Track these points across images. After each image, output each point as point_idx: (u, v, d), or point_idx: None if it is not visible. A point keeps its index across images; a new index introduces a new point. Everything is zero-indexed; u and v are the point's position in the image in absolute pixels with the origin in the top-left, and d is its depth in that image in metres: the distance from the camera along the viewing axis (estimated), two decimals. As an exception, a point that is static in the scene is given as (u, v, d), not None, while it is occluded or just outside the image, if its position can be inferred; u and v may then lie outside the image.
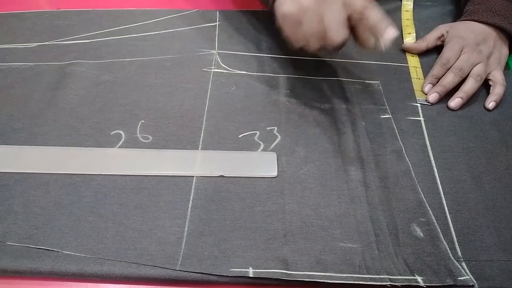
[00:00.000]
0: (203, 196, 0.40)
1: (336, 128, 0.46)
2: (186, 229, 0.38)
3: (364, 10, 0.41)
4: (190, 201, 0.40)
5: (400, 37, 0.58)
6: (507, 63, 0.54)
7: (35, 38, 0.55)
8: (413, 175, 0.43)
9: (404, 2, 0.63)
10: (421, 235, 0.38)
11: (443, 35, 0.55)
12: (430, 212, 0.40)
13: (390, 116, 0.48)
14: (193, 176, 0.42)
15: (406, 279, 0.35)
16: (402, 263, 0.36)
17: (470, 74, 0.50)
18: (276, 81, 0.51)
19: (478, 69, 0.50)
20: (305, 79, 0.52)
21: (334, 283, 0.35)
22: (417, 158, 0.44)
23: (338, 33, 0.41)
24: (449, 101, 0.49)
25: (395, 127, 0.47)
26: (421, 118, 0.48)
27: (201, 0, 0.62)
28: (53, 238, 0.37)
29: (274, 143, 0.45)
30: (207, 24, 0.58)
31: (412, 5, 0.63)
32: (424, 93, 0.51)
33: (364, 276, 0.35)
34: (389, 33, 0.42)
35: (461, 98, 0.49)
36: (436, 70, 0.51)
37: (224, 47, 0.55)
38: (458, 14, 0.59)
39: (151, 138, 0.44)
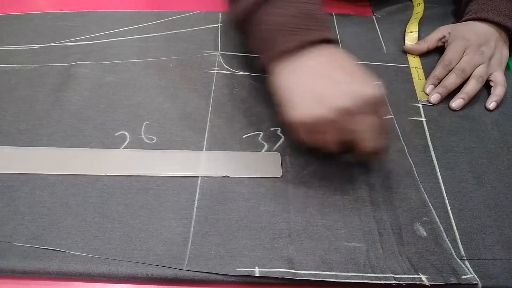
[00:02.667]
0: (208, 197, 0.40)
1: (339, 128, 0.47)
2: (192, 229, 0.38)
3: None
4: (196, 202, 0.40)
5: (402, 38, 0.59)
6: (507, 64, 0.54)
7: (39, 40, 0.55)
8: (416, 175, 0.43)
9: (416, 7, 0.63)
10: (425, 234, 0.39)
11: (444, 36, 0.55)
12: (433, 211, 0.40)
13: (392, 116, 0.48)
14: (198, 177, 0.42)
15: (410, 277, 0.36)
16: (406, 262, 0.37)
17: (472, 75, 0.51)
18: (279, 82, 0.52)
19: (480, 71, 0.51)
20: (307, 80, 0.52)
21: (340, 282, 0.35)
22: (419, 158, 0.45)
23: (371, 142, 0.38)
24: (451, 101, 0.50)
25: (397, 128, 0.47)
26: (423, 119, 0.49)
27: (204, 1, 0.62)
28: (60, 239, 0.37)
29: (278, 144, 0.45)
30: (209, 26, 0.58)
31: (422, 9, 0.63)
32: (426, 94, 0.51)
33: (369, 275, 0.36)
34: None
35: (462, 98, 0.50)
36: (438, 71, 0.52)
37: (227, 48, 0.55)
38: (459, 16, 0.59)
39: (155, 139, 0.45)
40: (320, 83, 0.36)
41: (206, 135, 0.45)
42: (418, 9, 0.62)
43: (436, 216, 0.40)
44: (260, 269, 0.36)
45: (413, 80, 0.53)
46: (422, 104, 0.50)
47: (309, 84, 0.36)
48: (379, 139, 0.38)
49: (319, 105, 0.35)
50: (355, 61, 0.38)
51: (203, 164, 0.43)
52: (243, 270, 0.35)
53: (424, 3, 0.63)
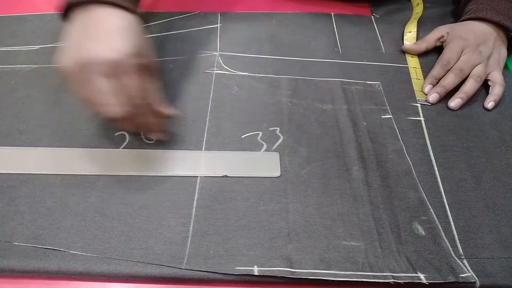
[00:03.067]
0: (208, 196, 0.41)
1: (338, 128, 0.47)
2: (191, 228, 0.38)
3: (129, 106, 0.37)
4: (195, 201, 0.40)
5: (400, 38, 0.59)
6: (505, 64, 0.54)
7: (38, 41, 0.56)
8: (414, 174, 0.43)
9: (415, 8, 0.64)
10: (423, 233, 0.39)
11: (442, 36, 0.55)
12: (432, 210, 0.40)
13: (391, 116, 0.49)
14: (197, 176, 0.42)
15: (408, 276, 0.36)
16: (405, 261, 0.37)
17: (470, 74, 0.51)
18: (278, 82, 0.52)
19: (478, 70, 0.51)
20: (306, 80, 0.52)
21: (338, 281, 0.35)
22: (418, 158, 0.45)
23: (102, 107, 0.36)
24: (449, 101, 0.50)
25: (396, 127, 0.47)
26: (422, 118, 0.49)
27: (203, 2, 0.63)
28: (60, 238, 0.37)
29: (277, 143, 0.45)
30: (209, 26, 0.58)
31: (421, 9, 0.63)
32: (424, 94, 0.51)
33: (367, 273, 0.36)
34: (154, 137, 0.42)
35: (461, 98, 0.50)
36: (437, 70, 0.52)
37: (226, 48, 0.55)
38: (457, 16, 0.60)
39: (155, 139, 0.45)
40: (78, 37, 0.37)
41: (205, 135, 0.46)
42: (417, 9, 0.62)
43: (434, 215, 0.40)
44: (259, 268, 0.36)
45: (412, 80, 0.53)
46: (420, 103, 0.50)
47: (73, 37, 0.37)
48: (113, 105, 0.36)
49: (67, 55, 0.36)
50: (129, 28, 0.38)
51: (202, 163, 0.43)
52: (242, 269, 0.36)
53: (423, 3, 0.63)
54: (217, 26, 0.59)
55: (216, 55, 0.55)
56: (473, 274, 0.36)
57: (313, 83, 0.52)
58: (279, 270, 0.36)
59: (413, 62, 0.56)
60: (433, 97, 0.50)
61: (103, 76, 0.36)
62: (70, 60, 0.36)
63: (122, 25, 0.37)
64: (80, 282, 0.36)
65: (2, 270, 0.35)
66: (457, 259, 0.37)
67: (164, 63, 0.53)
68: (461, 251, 0.38)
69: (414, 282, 0.35)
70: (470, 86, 0.50)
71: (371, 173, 0.43)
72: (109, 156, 0.43)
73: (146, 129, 0.43)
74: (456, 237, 0.39)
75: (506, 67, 0.55)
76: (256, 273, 0.35)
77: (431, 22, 0.60)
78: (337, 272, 0.36)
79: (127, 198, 0.40)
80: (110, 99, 0.36)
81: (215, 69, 0.53)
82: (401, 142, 0.46)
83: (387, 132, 0.47)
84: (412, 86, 0.52)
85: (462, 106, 0.50)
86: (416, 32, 0.59)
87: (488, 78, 0.52)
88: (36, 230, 0.37)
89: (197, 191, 0.41)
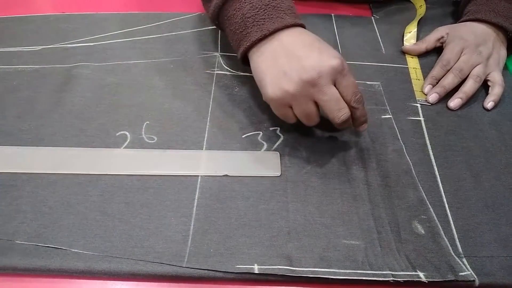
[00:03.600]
0: (208, 195, 0.41)
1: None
2: (192, 227, 0.38)
3: (354, 103, 0.40)
4: (195, 200, 0.40)
5: (400, 39, 0.59)
6: (505, 64, 0.55)
7: (41, 41, 0.56)
8: (414, 173, 0.43)
9: (418, 9, 0.64)
10: (422, 232, 0.39)
11: (442, 37, 0.56)
12: (431, 209, 0.41)
13: (391, 116, 0.49)
14: (198, 176, 0.42)
15: (408, 274, 0.36)
16: (404, 259, 0.37)
17: (469, 75, 0.51)
18: (279, 83, 0.52)
19: (477, 70, 0.51)
20: (306, 81, 0.52)
21: (338, 279, 0.36)
22: (417, 157, 0.45)
23: (339, 112, 0.39)
24: (449, 101, 0.50)
25: (396, 127, 0.48)
26: (421, 118, 0.49)
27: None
28: (62, 237, 0.37)
29: (277, 143, 0.46)
30: (209, 27, 0.59)
31: (424, 10, 0.63)
32: (424, 94, 0.51)
33: (367, 272, 0.36)
34: (363, 128, 0.43)
35: (460, 98, 0.50)
36: (436, 71, 0.52)
37: (227, 49, 0.56)
38: (457, 16, 0.60)
39: (156, 138, 0.45)
40: (283, 61, 0.39)
41: (206, 135, 0.46)
42: (421, 11, 0.63)
43: (434, 214, 0.40)
44: (259, 266, 0.36)
45: (412, 80, 0.53)
46: (420, 104, 0.51)
47: (274, 64, 0.40)
48: (345, 107, 0.40)
49: (282, 81, 0.39)
50: (318, 38, 0.41)
51: (203, 163, 0.43)
52: (242, 267, 0.36)
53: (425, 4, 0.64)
54: (218, 27, 0.59)
55: (217, 56, 0.55)
56: (472, 273, 0.36)
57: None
58: (279, 268, 0.36)
59: (413, 63, 0.56)
60: (433, 97, 0.50)
61: (331, 84, 0.38)
62: (290, 84, 0.38)
63: (313, 38, 0.41)
64: (82, 280, 0.36)
65: (4, 268, 0.35)
66: (456, 258, 0.37)
67: (165, 63, 0.54)
68: (460, 249, 0.38)
69: (413, 281, 0.36)
70: (469, 86, 0.51)
71: (371, 173, 0.43)
72: (110, 156, 0.44)
73: (361, 122, 0.43)
74: (456, 236, 0.39)
75: (505, 67, 0.55)
76: (256, 272, 0.36)
77: (431, 23, 0.61)
78: (337, 271, 0.36)
79: (128, 197, 0.40)
80: (343, 103, 0.39)
81: (215, 69, 0.53)
82: (401, 142, 0.46)
83: (387, 132, 0.47)
84: (412, 86, 0.53)
85: (462, 106, 0.50)
86: (416, 33, 0.59)
87: (488, 79, 0.52)
88: (38, 228, 0.38)
89: (197, 190, 0.41)
